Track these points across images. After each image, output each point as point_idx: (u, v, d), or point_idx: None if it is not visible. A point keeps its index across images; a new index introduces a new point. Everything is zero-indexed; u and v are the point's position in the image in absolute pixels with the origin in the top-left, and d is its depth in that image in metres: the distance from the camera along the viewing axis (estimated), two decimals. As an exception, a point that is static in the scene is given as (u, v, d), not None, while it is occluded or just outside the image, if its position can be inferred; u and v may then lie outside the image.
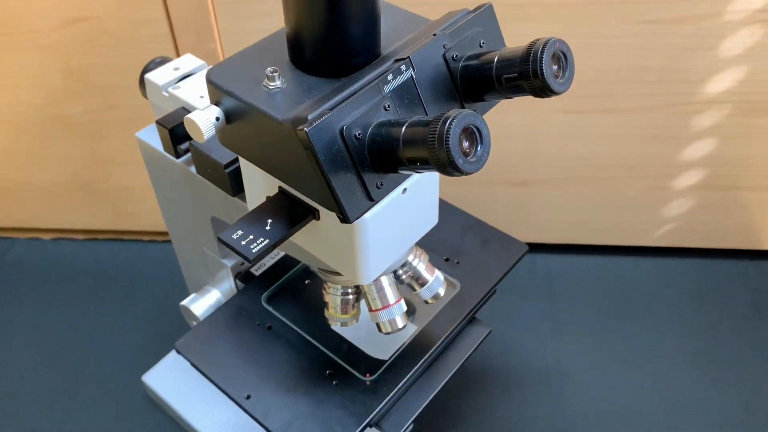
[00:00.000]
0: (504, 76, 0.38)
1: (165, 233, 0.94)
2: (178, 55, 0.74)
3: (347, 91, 0.36)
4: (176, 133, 0.53)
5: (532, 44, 0.37)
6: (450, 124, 0.32)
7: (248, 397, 0.52)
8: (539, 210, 0.87)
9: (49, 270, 0.93)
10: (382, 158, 0.35)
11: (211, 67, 0.41)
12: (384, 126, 0.35)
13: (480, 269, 0.61)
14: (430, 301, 0.53)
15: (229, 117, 0.40)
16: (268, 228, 0.42)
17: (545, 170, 0.82)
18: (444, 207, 0.67)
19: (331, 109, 0.35)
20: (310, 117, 0.35)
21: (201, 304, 0.68)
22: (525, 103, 0.75)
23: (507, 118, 0.77)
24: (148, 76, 0.56)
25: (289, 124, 0.36)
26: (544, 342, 0.83)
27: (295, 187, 0.40)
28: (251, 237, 0.41)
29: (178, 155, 0.55)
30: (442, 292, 0.54)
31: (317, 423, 0.50)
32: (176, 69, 0.57)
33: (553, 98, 0.73)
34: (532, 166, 0.82)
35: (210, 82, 0.40)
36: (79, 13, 0.71)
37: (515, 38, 0.67)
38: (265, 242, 0.41)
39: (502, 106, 0.74)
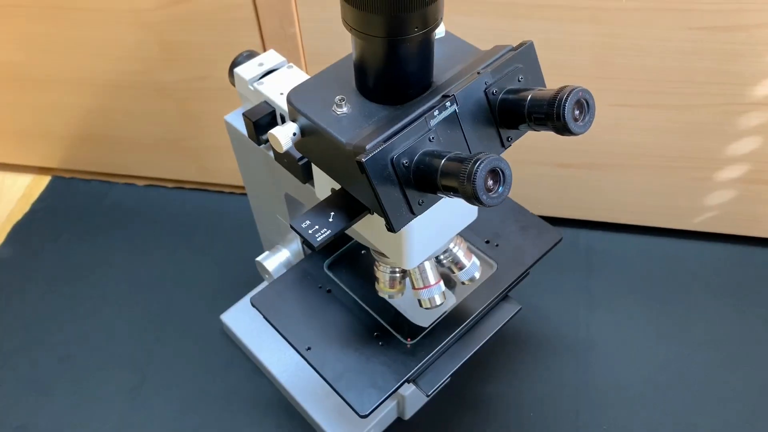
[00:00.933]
0: (533, 114, 0.44)
1: (244, 188, 1.05)
2: (261, 37, 0.82)
3: (399, 124, 0.44)
4: (259, 124, 0.62)
5: (560, 90, 0.43)
6: (478, 165, 0.39)
7: (309, 349, 0.63)
8: (584, 190, 0.93)
9: (141, 213, 1.06)
10: (423, 183, 0.43)
11: (292, 88, 0.49)
12: (427, 156, 0.43)
13: (516, 253, 0.69)
14: (466, 282, 0.62)
15: (304, 132, 0.49)
16: (330, 220, 0.51)
17: (592, 156, 0.88)
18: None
19: (385, 141, 0.43)
20: (367, 147, 0.43)
21: (273, 261, 0.78)
22: (577, 94, 0.81)
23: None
24: (237, 70, 0.65)
25: (352, 148, 0.44)
26: (577, 313, 0.90)
27: (353, 194, 0.49)
28: (316, 227, 0.51)
29: (259, 143, 0.64)
30: (477, 275, 0.62)
31: (364, 376, 0.60)
32: (261, 65, 0.65)
33: (604, 91, 0.78)
34: (580, 151, 0.87)
35: (290, 102, 0.48)
36: (176, -4, 0.80)
37: (577, 37, 0.73)
38: (328, 232, 0.50)
39: (559, 83, 0.80)
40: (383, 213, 0.44)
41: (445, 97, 0.45)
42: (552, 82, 0.77)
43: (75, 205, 1.07)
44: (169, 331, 0.91)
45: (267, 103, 0.63)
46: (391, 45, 0.44)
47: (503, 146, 0.49)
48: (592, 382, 0.83)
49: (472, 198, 0.40)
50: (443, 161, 0.42)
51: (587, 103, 0.43)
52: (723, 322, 0.88)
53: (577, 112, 0.43)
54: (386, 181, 0.43)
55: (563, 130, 0.43)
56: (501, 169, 0.40)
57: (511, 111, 0.46)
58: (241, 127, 0.68)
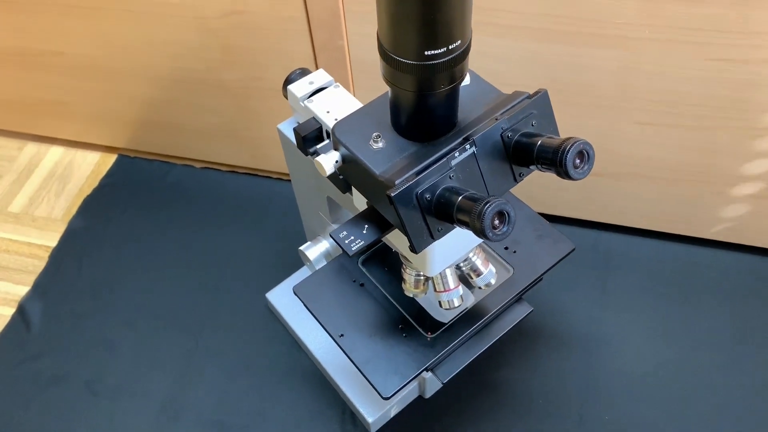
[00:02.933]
0: (541, 159, 0.52)
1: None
2: (312, 46, 0.90)
3: (425, 163, 0.52)
4: (307, 138, 0.71)
5: (564, 141, 0.50)
6: (487, 207, 0.47)
7: (341, 336, 0.72)
8: (607, 196, 0.99)
9: (198, 193, 1.16)
10: (442, 214, 0.51)
11: (337, 121, 0.58)
12: (446, 192, 0.51)
13: (531, 260, 0.76)
14: (483, 287, 0.70)
15: (344, 160, 0.57)
16: (364, 231, 0.60)
17: (616, 165, 0.94)
18: (511, 201, 0.81)
19: (411, 178, 0.51)
20: (396, 182, 0.51)
21: (314, 251, 0.88)
22: (602, 110, 0.87)
23: (586, 120, 0.89)
24: (290, 87, 0.73)
25: (384, 180, 0.52)
26: (591, 309, 0.97)
27: (383, 214, 0.57)
28: (352, 237, 0.59)
29: (307, 154, 0.73)
30: (493, 281, 0.70)
31: (388, 363, 0.69)
32: (311, 83, 0.73)
33: (628, 110, 0.84)
34: (604, 161, 0.94)
35: (334, 134, 0.57)
36: (238, 7, 0.88)
37: (602, 61, 0.79)
38: (361, 242, 0.59)
39: (582, 109, 0.86)
40: (407, 236, 0.52)
41: (465, 139, 0.53)
42: (576, 104, 0.84)
43: (139, 182, 1.18)
44: (220, 303, 1.02)
45: (315, 120, 0.71)
46: (421, 97, 0.51)
47: (515, 180, 0.56)
48: (599, 375, 0.91)
49: (480, 234, 0.48)
50: (459, 199, 0.50)
51: (587, 154, 0.51)
52: (727, 326, 0.95)
53: (578, 161, 0.51)
54: (411, 211, 0.51)
55: (565, 175, 0.51)
56: (507, 212, 0.48)
57: (523, 153, 0.54)
58: (291, 135, 0.77)
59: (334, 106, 0.71)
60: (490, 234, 0.47)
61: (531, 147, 0.53)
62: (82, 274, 1.06)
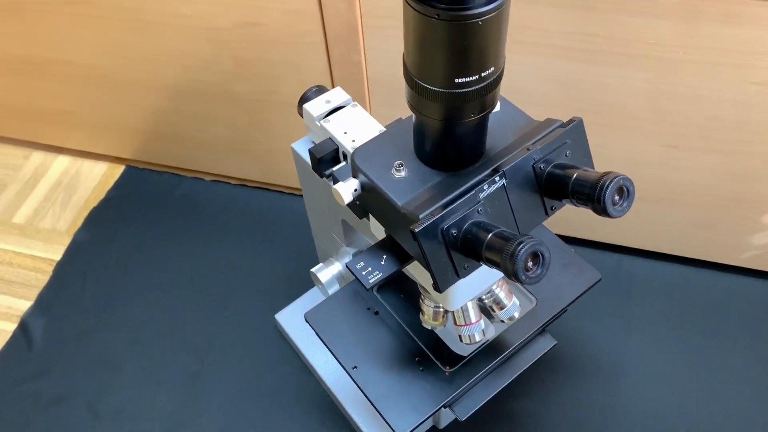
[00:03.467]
0: (576, 194, 0.48)
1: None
2: (329, 60, 0.87)
3: (451, 196, 0.49)
4: (323, 160, 0.67)
5: (603, 176, 0.46)
6: (521, 248, 0.43)
7: (355, 368, 0.69)
8: (631, 219, 0.95)
9: (208, 207, 1.13)
10: (469, 251, 0.48)
11: (357, 147, 0.54)
12: (474, 228, 0.48)
13: (556, 290, 0.72)
14: (506, 321, 0.66)
15: (364, 188, 0.54)
16: (383, 262, 0.56)
17: (641, 189, 0.90)
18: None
19: (437, 212, 0.47)
20: (421, 216, 0.47)
21: (326, 273, 0.84)
22: (629, 132, 0.83)
23: (612, 141, 0.85)
24: (306, 106, 0.70)
25: (407, 213, 0.49)
26: (613, 337, 0.93)
27: (405, 247, 0.54)
28: (369, 269, 0.56)
29: (322, 176, 0.69)
30: (517, 315, 0.66)
31: (403, 398, 0.66)
32: (328, 102, 0.70)
33: (656, 132, 0.80)
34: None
35: (354, 162, 0.53)
36: (251, 19, 0.85)
37: (633, 83, 0.75)
38: (379, 275, 0.56)
39: (607, 129, 0.83)
40: (431, 275, 0.49)
41: (495, 171, 0.50)
42: (601, 124, 0.80)
43: (147, 194, 1.15)
44: (228, 322, 0.98)
45: (331, 141, 0.68)
46: (449, 125, 0.48)
47: (546, 214, 0.52)
48: (620, 407, 0.87)
49: (512, 276, 0.44)
50: (489, 236, 0.46)
51: (627, 190, 0.47)
52: (756, 358, 0.90)
53: (617, 197, 0.47)
54: (435, 248, 0.48)
55: (602, 212, 0.47)
56: (542, 253, 0.44)
57: (556, 186, 0.50)
58: (306, 155, 0.73)
59: (352, 126, 0.67)
60: (523, 277, 0.44)
61: (565, 180, 0.49)
62: (86, 289, 1.03)
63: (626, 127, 0.82)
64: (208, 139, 1.07)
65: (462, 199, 0.48)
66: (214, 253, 1.06)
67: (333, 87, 0.90)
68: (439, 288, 0.49)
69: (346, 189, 0.54)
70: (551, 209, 0.52)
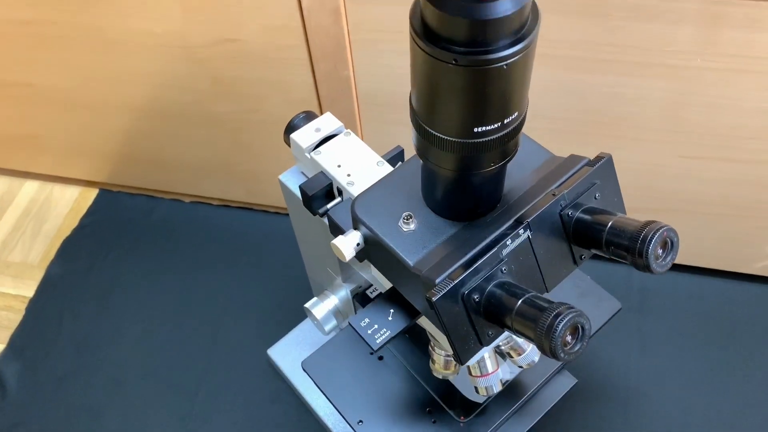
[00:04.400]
0: (612, 245, 0.42)
1: (289, 210, 1.04)
2: (314, 77, 0.80)
3: (470, 254, 0.42)
4: (316, 198, 0.61)
5: (645, 226, 0.40)
6: (559, 321, 0.37)
7: (360, 422, 0.63)
8: (642, 231, 0.90)
9: (188, 230, 1.05)
10: (493, 318, 0.42)
11: (357, 196, 0.48)
12: (499, 290, 0.41)
13: (573, 324, 0.67)
14: (525, 367, 0.60)
15: (367, 241, 0.47)
16: (390, 318, 0.50)
17: (655, 201, 0.84)
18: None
19: (456, 276, 0.41)
20: (437, 281, 0.41)
21: (321, 308, 0.77)
22: (642, 143, 0.77)
23: (626, 155, 0.79)
24: (293, 136, 0.63)
25: (420, 276, 0.43)
26: (629, 358, 0.88)
27: (416, 307, 0.48)
28: (376, 326, 0.50)
29: (315, 213, 0.63)
30: (536, 359, 0.60)
31: (416, 456, 0.60)
32: (317, 130, 0.63)
33: (672, 143, 0.74)
34: (644, 196, 0.84)
35: (355, 212, 0.47)
36: (228, 35, 0.78)
37: (649, 92, 0.70)
38: (387, 333, 0.50)
39: (619, 141, 0.77)
40: (451, 345, 0.43)
41: (518, 222, 0.43)
42: (612, 136, 0.74)
43: (123, 220, 1.07)
44: (218, 359, 0.92)
45: (323, 174, 0.61)
46: (464, 176, 0.41)
47: (575, 263, 0.46)
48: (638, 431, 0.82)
49: (548, 352, 0.38)
50: (519, 304, 0.40)
51: (672, 242, 0.41)
52: (779, 373, 0.86)
53: (660, 251, 0.41)
54: (455, 316, 0.42)
55: (642, 267, 0.41)
56: (581, 326, 0.38)
57: (587, 234, 0.44)
58: (295, 188, 0.66)
59: (346, 158, 0.61)
60: (561, 353, 0.38)
61: (598, 229, 0.43)
62: (63, 328, 0.96)
63: (640, 138, 0.77)
64: (186, 160, 1.00)
65: (483, 259, 0.42)
66: (199, 282, 0.99)
67: (320, 103, 0.83)
68: (461, 360, 0.43)
69: (347, 244, 0.47)
70: (581, 258, 0.46)
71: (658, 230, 0.40)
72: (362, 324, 0.50)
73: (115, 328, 0.95)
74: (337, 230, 0.60)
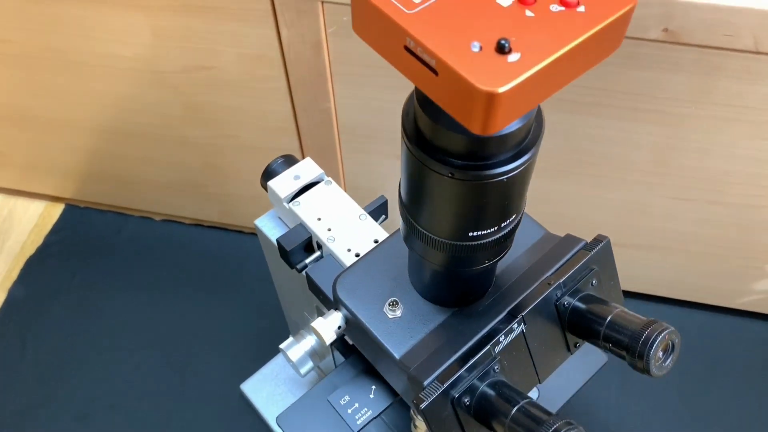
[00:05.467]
0: (611, 341, 0.40)
1: (265, 232, 1.00)
2: (293, 107, 0.76)
3: (461, 351, 0.40)
4: (294, 252, 0.57)
5: (648, 326, 0.38)
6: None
7: (338, 482, 0.60)
8: (624, 262, 0.88)
9: (158, 251, 1.01)
10: (486, 422, 0.39)
11: (340, 275, 0.44)
12: (492, 391, 0.39)
13: (559, 379, 0.65)
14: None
15: (349, 323, 0.44)
16: (372, 396, 0.48)
17: (640, 237, 0.83)
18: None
19: (445, 377, 0.38)
20: (425, 383, 0.39)
21: (297, 350, 0.74)
22: (630, 184, 0.75)
23: (611, 193, 0.77)
24: (271, 184, 0.60)
25: (407, 374, 0.40)
26: (609, 394, 0.87)
27: (400, 394, 0.45)
28: (356, 405, 0.47)
29: (292, 267, 0.60)
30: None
31: None
32: (297, 177, 0.60)
33: (660, 185, 0.72)
34: (630, 232, 0.82)
35: (336, 293, 0.44)
36: (202, 63, 0.74)
37: (639, 136, 0.67)
38: (369, 413, 0.47)
39: (607, 181, 0.75)
40: (439, 446, 0.40)
41: (511, 315, 0.41)
42: (600, 175, 0.72)
43: (90, 238, 1.03)
44: (189, 393, 0.89)
45: (302, 227, 0.58)
46: (456, 271, 0.39)
47: (569, 351, 0.44)
48: (621, 474, 0.81)
49: (543, 469, 0.36)
50: (513, 411, 0.37)
51: (673, 345, 0.39)
52: (758, 404, 0.85)
53: (661, 353, 0.39)
54: (444, 420, 0.39)
55: (641, 369, 0.39)
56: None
57: (584, 326, 0.42)
58: (271, 233, 0.63)
59: (327, 210, 0.58)
60: (559, 473, 0.35)
61: (597, 321, 0.41)
62: (26, 357, 0.91)
63: (627, 179, 0.74)
64: (156, 180, 0.95)
65: (475, 358, 0.39)
66: (170, 308, 0.96)
67: (299, 133, 0.80)
68: (448, 460, 0.41)
69: (328, 327, 0.44)
70: (575, 346, 0.44)
71: (660, 332, 0.38)
72: (341, 402, 0.47)
73: (82, 357, 0.91)
74: (315, 289, 0.57)
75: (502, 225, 0.34)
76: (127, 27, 0.71)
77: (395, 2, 0.25)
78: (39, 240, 1.03)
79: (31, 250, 1.02)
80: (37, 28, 0.75)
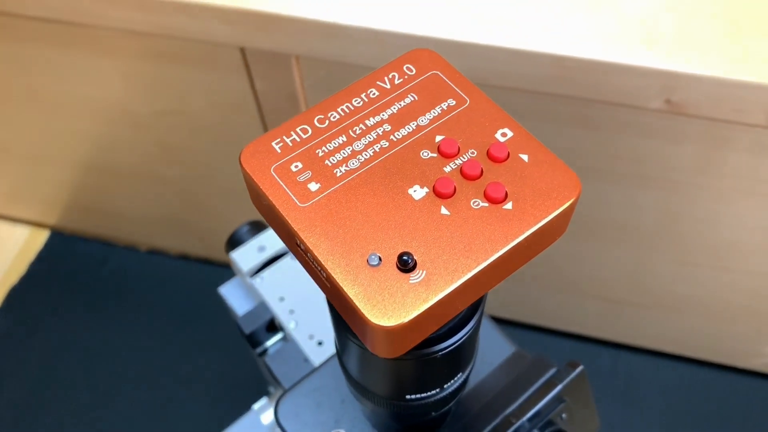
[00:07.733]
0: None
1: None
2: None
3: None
4: (255, 335, 0.53)
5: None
6: None
7: None
8: (629, 319, 0.83)
9: (143, 283, 0.98)
10: None
11: (282, 396, 0.40)
12: None
13: None
14: None
15: (294, 448, 0.40)
16: None
17: (649, 297, 0.77)
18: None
19: None
20: None
21: (271, 414, 0.71)
22: (633, 246, 0.70)
23: (616, 254, 0.71)
24: (234, 255, 0.56)
25: None
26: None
27: None
28: None
29: (253, 348, 0.55)
30: None
31: None
32: (261, 249, 0.56)
33: (666, 250, 0.67)
34: (636, 291, 0.77)
35: (278, 418, 0.40)
36: (172, 107, 0.69)
37: (644, 201, 0.62)
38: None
39: (608, 243, 0.70)
40: None
41: (468, 458, 0.36)
42: (602, 237, 0.66)
43: (74, 269, 1.00)
44: (168, 430, 0.85)
45: (264, 306, 0.54)
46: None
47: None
48: None
49: None
50: None
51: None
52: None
53: None
54: None
55: None
56: None
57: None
58: (236, 303, 0.59)
59: (291, 289, 0.54)
60: None
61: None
62: (3, 398, 0.89)
63: (628, 241, 0.69)
64: (139, 214, 0.92)
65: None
66: (153, 345, 0.92)
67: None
68: None
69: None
70: (542, 483, 0.39)
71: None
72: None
73: (62, 399, 0.88)
74: (275, 379, 0.53)
75: (445, 386, 0.30)
76: (97, 71, 0.67)
77: (288, 191, 0.20)
78: (23, 267, 1.00)
79: (14, 278, 0.99)
80: (11, 68, 0.71)
